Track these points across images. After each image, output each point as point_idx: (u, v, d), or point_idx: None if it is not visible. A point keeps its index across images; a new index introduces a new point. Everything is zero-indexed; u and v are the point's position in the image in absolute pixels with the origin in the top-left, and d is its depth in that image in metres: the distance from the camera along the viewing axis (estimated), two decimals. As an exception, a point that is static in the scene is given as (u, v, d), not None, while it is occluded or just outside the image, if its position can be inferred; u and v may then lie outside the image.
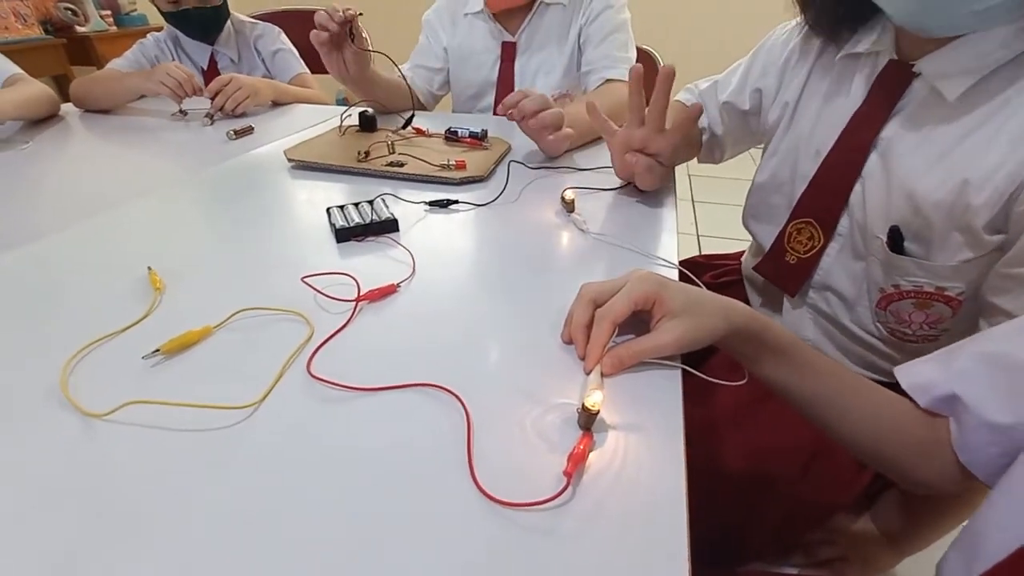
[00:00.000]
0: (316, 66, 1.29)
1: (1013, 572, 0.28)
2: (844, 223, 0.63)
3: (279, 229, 0.63)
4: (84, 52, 2.56)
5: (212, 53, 1.34)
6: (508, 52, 1.13)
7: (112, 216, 0.66)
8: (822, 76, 0.66)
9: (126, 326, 0.45)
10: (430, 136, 0.91)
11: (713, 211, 2.41)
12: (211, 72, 1.33)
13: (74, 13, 2.54)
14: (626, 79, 1.04)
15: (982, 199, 0.50)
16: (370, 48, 0.92)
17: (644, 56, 1.22)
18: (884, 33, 0.59)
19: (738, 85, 0.78)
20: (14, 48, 2.17)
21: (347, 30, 0.87)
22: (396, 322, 0.46)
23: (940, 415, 0.40)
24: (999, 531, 0.31)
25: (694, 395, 0.40)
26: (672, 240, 0.61)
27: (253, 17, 1.43)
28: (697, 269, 0.89)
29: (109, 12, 2.73)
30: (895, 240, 0.56)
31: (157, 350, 0.41)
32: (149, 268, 0.52)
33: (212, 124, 1.05)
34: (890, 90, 0.58)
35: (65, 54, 2.49)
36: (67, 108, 1.16)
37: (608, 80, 1.04)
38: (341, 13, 0.84)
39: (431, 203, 0.68)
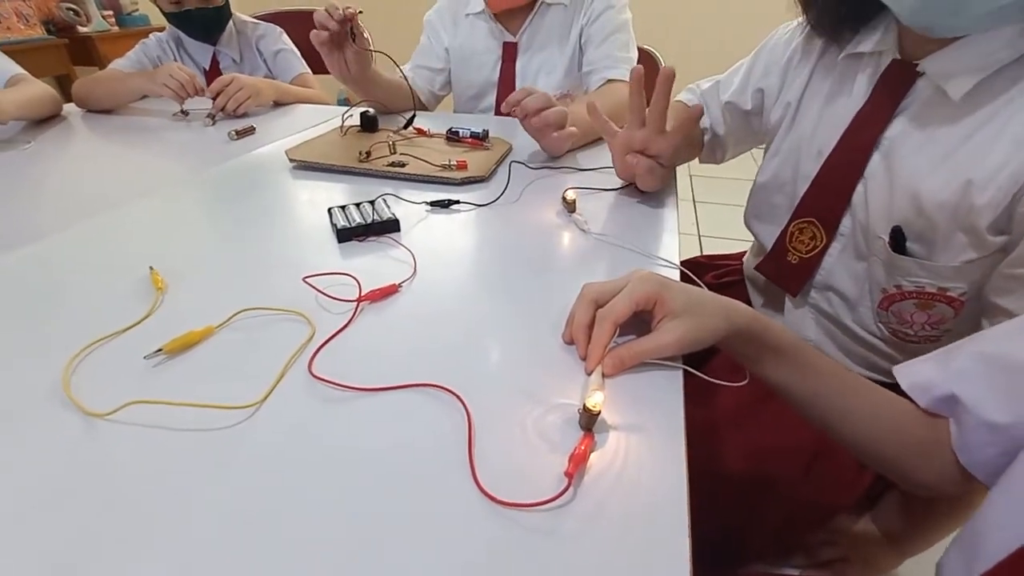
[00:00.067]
0: (318, 66, 1.30)
1: (1014, 571, 0.28)
2: (846, 223, 0.63)
3: (280, 229, 0.63)
4: (86, 52, 2.57)
5: (214, 53, 1.35)
6: (509, 52, 1.13)
7: (114, 216, 0.66)
8: (824, 76, 0.66)
9: (128, 326, 0.45)
10: (431, 136, 0.91)
11: (714, 211, 2.41)
12: (213, 72, 1.34)
13: (76, 13, 2.55)
14: (627, 79, 1.05)
15: (986, 199, 0.50)
16: (371, 48, 0.92)
17: (645, 56, 1.21)
18: (887, 33, 0.58)
19: (740, 85, 0.78)
20: (16, 48, 2.18)
21: (348, 29, 0.87)
22: (397, 322, 0.46)
23: (940, 416, 0.40)
24: (999, 530, 0.31)
25: (695, 396, 0.40)
26: (673, 240, 0.61)
27: (255, 17, 1.43)
28: (699, 269, 0.89)
29: (111, 12, 2.74)
30: (897, 240, 0.56)
31: (159, 350, 0.41)
32: (151, 268, 0.52)
33: (214, 124, 1.05)
34: (893, 90, 0.58)
35: (67, 54, 2.50)
36: (69, 108, 1.17)
37: (609, 80, 1.04)
38: (341, 12, 0.84)
39: (432, 203, 0.68)
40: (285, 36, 1.41)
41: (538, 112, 0.76)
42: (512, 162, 0.80)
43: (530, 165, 0.81)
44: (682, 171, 0.69)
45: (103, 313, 0.47)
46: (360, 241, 0.60)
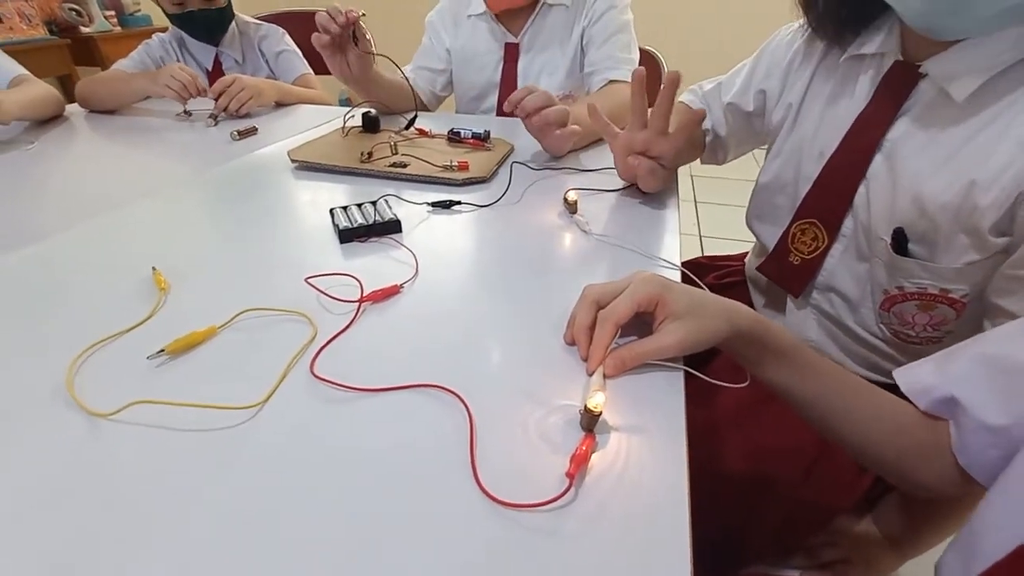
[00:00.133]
0: (319, 67, 1.30)
1: (1011, 572, 0.28)
2: (848, 224, 0.63)
3: (283, 230, 0.63)
4: (88, 52, 2.57)
5: (217, 54, 1.35)
6: (511, 53, 1.13)
7: (117, 216, 0.66)
8: (826, 78, 0.66)
9: (131, 326, 0.45)
10: (433, 137, 0.91)
11: (715, 212, 2.41)
12: (215, 73, 1.34)
13: (78, 14, 2.56)
14: (629, 80, 1.05)
15: (989, 200, 0.50)
16: (373, 51, 0.92)
17: (647, 57, 1.22)
18: (890, 34, 0.58)
19: (742, 86, 0.78)
20: (19, 48, 2.18)
21: (350, 32, 0.87)
22: (399, 323, 0.47)
23: (940, 418, 0.40)
24: (996, 531, 0.31)
25: (696, 397, 0.40)
26: (675, 241, 0.61)
27: (257, 18, 1.44)
28: (700, 270, 0.89)
29: (113, 13, 2.74)
30: (899, 242, 0.56)
31: (162, 350, 0.41)
32: (154, 268, 0.52)
33: (216, 125, 1.05)
34: (896, 91, 0.58)
35: (69, 54, 2.50)
36: (72, 108, 1.17)
37: (611, 81, 1.04)
38: (343, 15, 0.84)
39: (434, 204, 0.68)
40: (287, 37, 1.41)
41: (539, 111, 0.76)
42: (514, 163, 0.80)
43: (532, 166, 0.81)
44: (683, 172, 0.69)
45: (106, 313, 0.47)
46: (362, 242, 0.60)
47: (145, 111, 1.17)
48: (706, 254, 1.01)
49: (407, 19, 1.97)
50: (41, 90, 1.08)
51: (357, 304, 0.47)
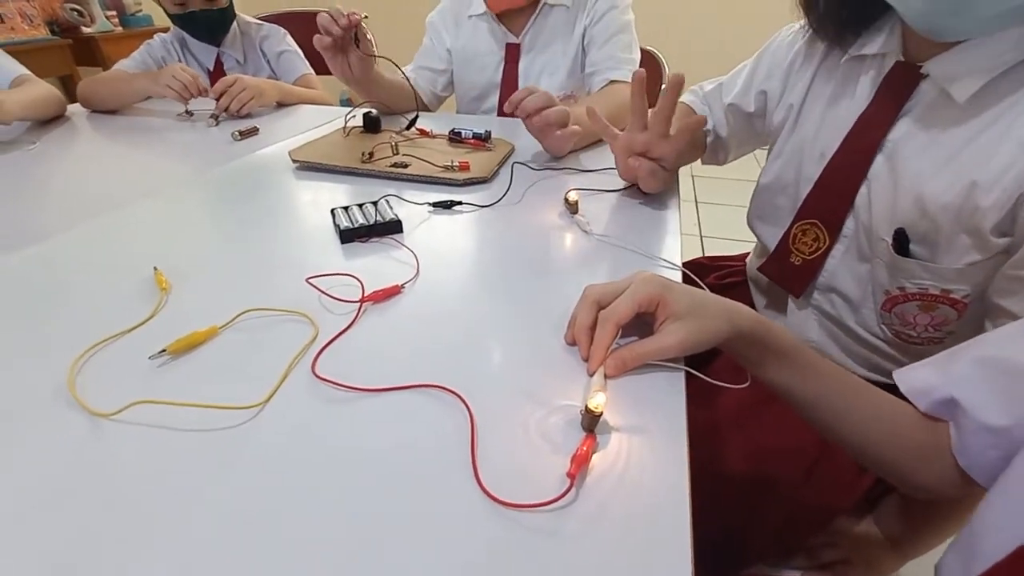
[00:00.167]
0: (321, 67, 1.30)
1: (1011, 572, 0.28)
2: (849, 225, 0.63)
3: (284, 230, 0.64)
4: (90, 53, 2.58)
5: (218, 54, 1.35)
6: (512, 53, 1.13)
7: (118, 216, 0.66)
8: (827, 78, 0.66)
9: (133, 326, 0.45)
10: (434, 137, 0.91)
11: (716, 212, 2.41)
12: (217, 73, 1.34)
13: (80, 14, 2.56)
14: (630, 80, 1.05)
15: (990, 201, 0.50)
16: (375, 54, 0.93)
17: (648, 57, 1.21)
18: (891, 35, 0.58)
19: (743, 87, 0.78)
20: (20, 49, 2.18)
21: (352, 34, 0.87)
22: (400, 323, 0.47)
23: (940, 419, 0.40)
24: (996, 532, 0.31)
25: (697, 397, 0.40)
26: (676, 241, 0.61)
27: (258, 18, 1.44)
28: (701, 270, 0.89)
29: (115, 13, 2.74)
30: (900, 242, 0.56)
31: (163, 350, 0.41)
32: (155, 268, 0.52)
33: (217, 125, 1.05)
34: (897, 92, 0.58)
35: (71, 55, 2.50)
36: (74, 108, 1.17)
37: (612, 81, 1.04)
38: (346, 18, 0.84)
39: (435, 204, 0.68)
40: (289, 37, 1.41)
41: (539, 111, 0.76)
42: (515, 163, 0.80)
43: (532, 166, 0.81)
44: (684, 172, 0.69)
45: (108, 313, 0.47)
46: (363, 242, 0.60)
47: (146, 111, 1.17)
48: (707, 254, 1.01)
49: (408, 19, 1.97)
50: (43, 90, 1.08)
51: (358, 304, 0.47)
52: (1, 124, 0.96)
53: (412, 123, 0.93)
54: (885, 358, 0.65)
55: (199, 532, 0.29)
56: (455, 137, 0.87)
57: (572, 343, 0.43)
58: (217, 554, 0.28)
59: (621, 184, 0.73)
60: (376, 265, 0.55)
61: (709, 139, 0.84)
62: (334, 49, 0.87)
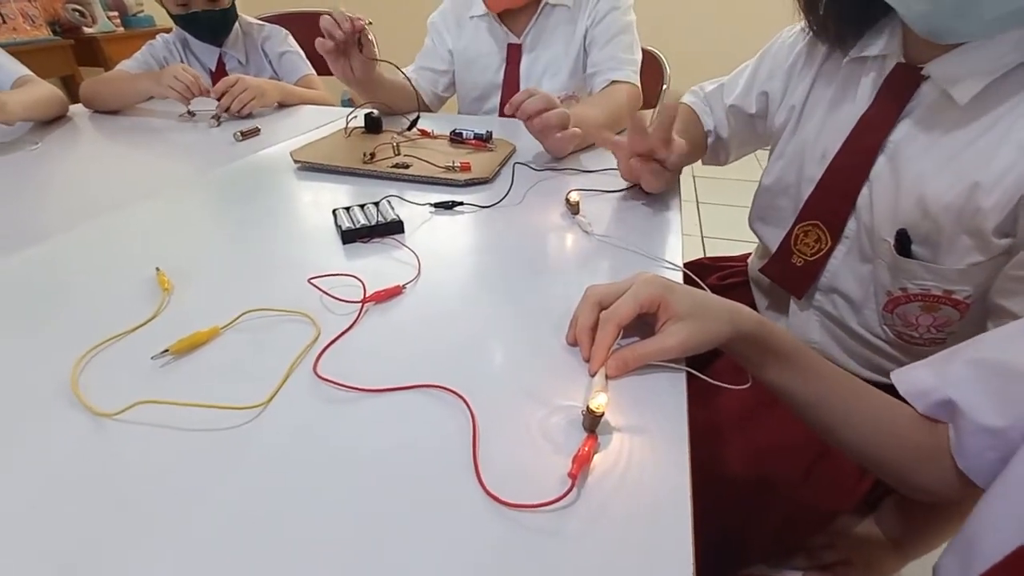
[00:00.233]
0: (322, 68, 1.30)
1: (1010, 573, 0.28)
2: (851, 226, 0.63)
3: (285, 230, 0.64)
4: (92, 53, 2.58)
5: (220, 55, 1.35)
6: (513, 54, 1.13)
7: (121, 216, 0.66)
8: (828, 80, 0.66)
9: (135, 326, 0.45)
10: (435, 138, 0.91)
11: (717, 212, 2.41)
12: (219, 73, 1.34)
13: (82, 14, 2.56)
14: (631, 80, 1.05)
15: (992, 202, 0.50)
16: (377, 57, 0.93)
17: (649, 58, 1.21)
18: (892, 37, 0.58)
19: (744, 88, 0.78)
20: (22, 49, 2.19)
21: (355, 39, 0.88)
22: (402, 323, 0.47)
23: (939, 421, 0.40)
24: (995, 532, 0.31)
25: (698, 397, 0.40)
26: (677, 242, 0.61)
27: (260, 19, 1.44)
28: (703, 271, 0.89)
29: (116, 13, 2.75)
30: (902, 243, 0.56)
31: (166, 350, 0.41)
32: (157, 269, 0.52)
33: (219, 125, 1.05)
34: (898, 93, 0.58)
35: (73, 55, 2.51)
36: (76, 109, 1.17)
37: (613, 82, 1.04)
38: (349, 23, 0.84)
39: (436, 205, 0.68)
40: (291, 38, 1.41)
41: (539, 114, 0.76)
42: (516, 163, 0.80)
43: (534, 167, 0.81)
44: (685, 172, 0.70)
45: (110, 313, 0.47)
46: (364, 242, 0.60)
47: (149, 112, 1.17)
48: (708, 255, 1.01)
49: (410, 20, 1.97)
50: (45, 91, 1.08)
51: (360, 304, 0.48)
52: (4, 124, 0.97)
53: (413, 124, 0.93)
54: (887, 359, 0.65)
55: (201, 532, 0.29)
56: (456, 138, 0.87)
57: (573, 343, 0.43)
58: (219, 554, 0.28)
59: (622, 185, 0.73)
60: (377, 265, 0.55)
61: (710, 140, 0.84)
62: (336, 52, 0.88)
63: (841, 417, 0.45)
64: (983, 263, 0.52)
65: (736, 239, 2.08)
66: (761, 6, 2.32)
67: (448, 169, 0.76)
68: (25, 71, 1.14)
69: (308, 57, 1.41)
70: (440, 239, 0.61)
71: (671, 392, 0.39)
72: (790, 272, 0.70)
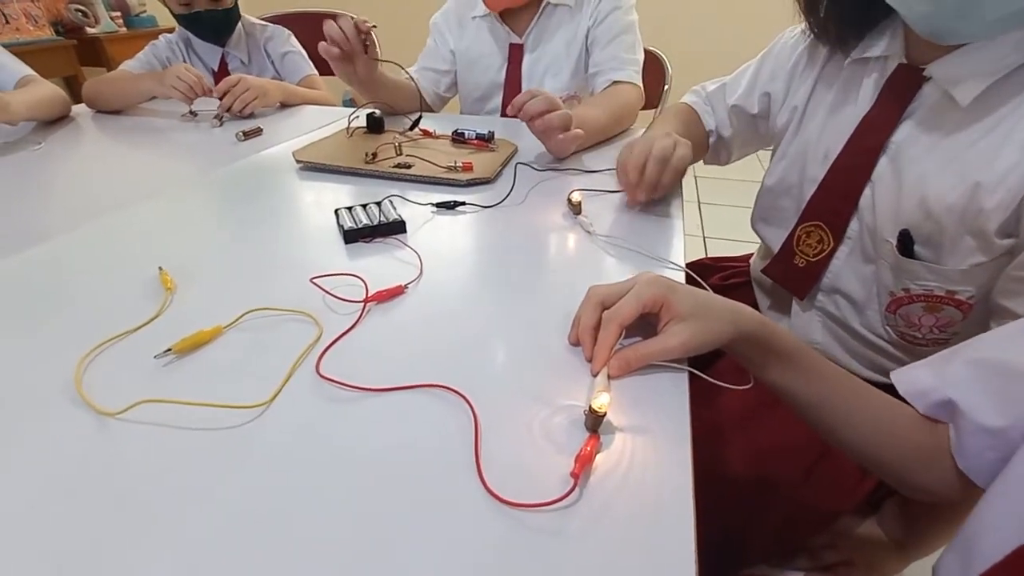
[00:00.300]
0: (324, 68, 1.30)
1: (1010, 573, 0.28)
2: (854, 226, 0.63)
3: (288, 230, 0.64)
4: (94, 53, 2.59)
5: (223, 55, 1.36)
6: (515, 54, 1.13)
7: (123, 216, 0.67)
8: (830, 81, 0.66)
9: (138, 325, 0.45)
10: (437, 138, 0.91)
11: (719, 213, 2.41)
12: (221, 73, 1.34)
13: (84, 14, 2.57)
14: (634, 81, 1.05)
15: (994, 202, 0.50)
16: (380, 58, 0.93)
17: (651, 58, 1.22)
18: (894, 38, 0.58)
19: (747, 88, 0.78)
20: (25, 49, 2.19)
21: (361, 42, 0.88)
22: (404, 323, 0.47)
23: (939, 421, 0.40)
24: (995, 531, 0.31)
25: (700, 398, 0.40)
26: (679, 242, 0.61)
27: (263, 19, 1.44)
28: (705, 271, 0.89)
29: (119, 14, 2.75)
30: (905, 244, 0.56)
31: (169, 349, 0.41)
32: (160, 268, 0.52)
33: (221, 125, 1.06)
34: (900, 94, 0.58)
35: (76, 55, 2.51)
36: (78, 109, 1.18)
37: (615, 82, 1.04)
38: (357, 32, 0.85)
39: (438, 204, 0.68)
40: (293, 38, 1.41)
41: (541, 115, 0.77)
42: (518, 163, 0.80)
43: (535, 167, 0.81)
44: (687, 172, 0.70)
45: (113, 313, 0.47)
46: (367, 242, 0.60)
47: (151, 111, 1.17)
48: (710, 255, 1.01)
49: (412, 21, 1.97)
50: (48, 91, 1.09)
51: (362, 304, 0.48)
52: (7, 124, 0.97)
53: (415, 124, 0.93)
54: (890, 359, 0.65)
55: (204, 531, 0.29)
56: (458, 138, 0.88)
57: (576, 343, 0.43)
58: (222, 553, 0.28)
59: (624, 185, 0.73)
60: (380, 265, 0.55)
61: (712, 139, 0.84)
62: (342, 58, 0.88)
63: (843, 418, 0.44)
64: (985, 263, 0.52)
65: (738, 239, 2.08)
66: (763, 6, 2.31)
67: (450, 169, 0.76)
68: (28, 71, 1.15)
69: (310, 57, 1.41)
70: (442, 239, 0.61)
71: (673, 392, 0.39)
72: (792, 273, 0.70)
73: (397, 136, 0.89)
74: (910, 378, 0.42)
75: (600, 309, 0.42)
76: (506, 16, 1.11)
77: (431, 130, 0.92)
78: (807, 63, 0.70)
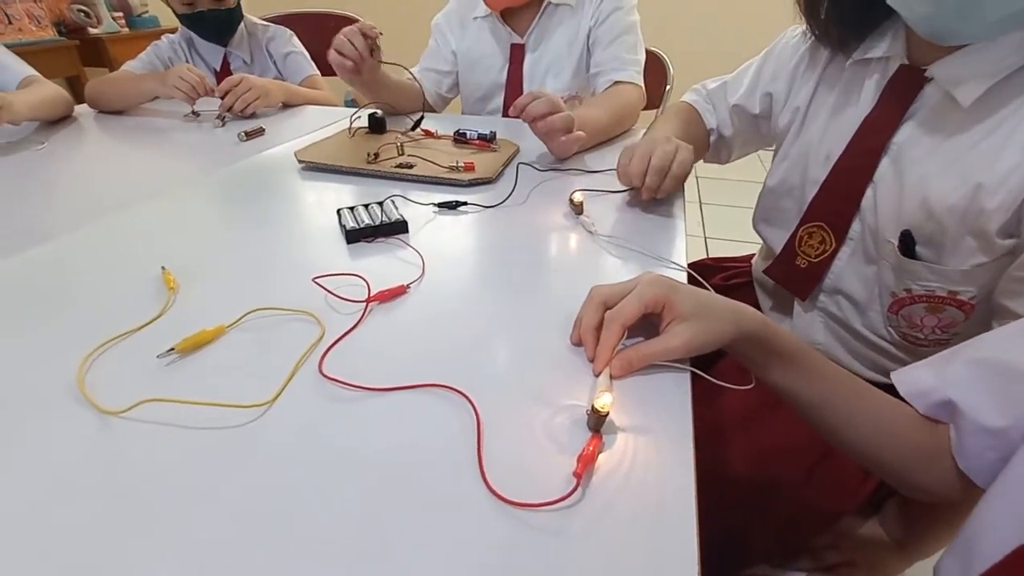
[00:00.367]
0: (326, 69, 1.30)
1: (1010, 573, 0.28)
2: (855, 227, 0.63)
3: (290, 230, 0.64)
4: (97, 53, 2.59)
5: (225, 55, 1.36)
6: (517, 54, 1.13)
7: (126, 216, 0.67)
8: (832, 82, 0.66)
9: (141, 325, 0.45)
10: (439, 138, 0.91)
11: (720, 213, 2.40)
12: (224, 73, 1.35)
13: (87, 15, 2.57)
14: (635, 81, 1.05)
15: (995, 203, 0.50)
16: (383, 59, 0.94)
17: (652, 59, 1.22)
18: (895, 39, 0.58)
19: (748, 88, 0.78)
20: (28, 50, 2.19)
21: (368, 48, 0.89)
22: (406, 323, 0.47)
23: (940, 421, 0.40)
24: (995, 531, 0.31)
25: (701, 398, 0.40)
26: (681, 242, 0.61)
27: (265, 20, 1.44)
28: (706, 271, 0.89)
29: (121, 14, 2.76)
30: (907, 244, 0.56)
31: (172, 349, 0.41)
32: (163, 268, 0.52)
33: (224, 125, 1.06)
34: (902, 95, 0.58)
35: (78, 55, 2.51)
36: (81, 109, 1.18)
37: (617, 82, 1.04)
38: (364, 39, 0.86)
39: (440, 204, 0.68)
40: (295, 39, 1.41)
41: (544, 117, 0.77)
42: (519, 164, 0.80)
43: (537, 167, 0.81)
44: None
45: (116, 312, 0.47)
46: (369, 242, 0.60)
47: (153, 111, 1.18)
48: (711, 255, 1.01)
49: (414, 22, 1.98)
50: (50, 91, 1.09)
51: (364, 304, 0.48)
52: (10, 124, 0.97)
53: (417, 124, 0.93)
54: (892, 360, 0.65)
55: (207, 530, 0.29)
56: (460, 138, 0.88)
57: (578, 343, 0.43)
58: (225, 552, 0.28)
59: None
60: (382, 265, 0.55)
61: (712, 138, 0.84)
62: (352, 70, 0.90)
63: (844, 418, 0.44)
64: (987, 264, 0.52)
65: (739, 240, 2.08)
66: (765, 6, 2.32)
67: (452, 169, 0.76)
68: (31, 71, 1.15)
69: (312, 57, 1.41)
70: (444, 239, 0.61)
71: (675, 392, 0.39)
72: (794, 273, 0.70)
73: (399, 136, 0.90)
74: (910, 378, 0.42)
75: (602, 309, 0.42)
76: (507, 16, 1.11)
77: (433, 130, 0.92)
78: (809, 64, 0.70)
